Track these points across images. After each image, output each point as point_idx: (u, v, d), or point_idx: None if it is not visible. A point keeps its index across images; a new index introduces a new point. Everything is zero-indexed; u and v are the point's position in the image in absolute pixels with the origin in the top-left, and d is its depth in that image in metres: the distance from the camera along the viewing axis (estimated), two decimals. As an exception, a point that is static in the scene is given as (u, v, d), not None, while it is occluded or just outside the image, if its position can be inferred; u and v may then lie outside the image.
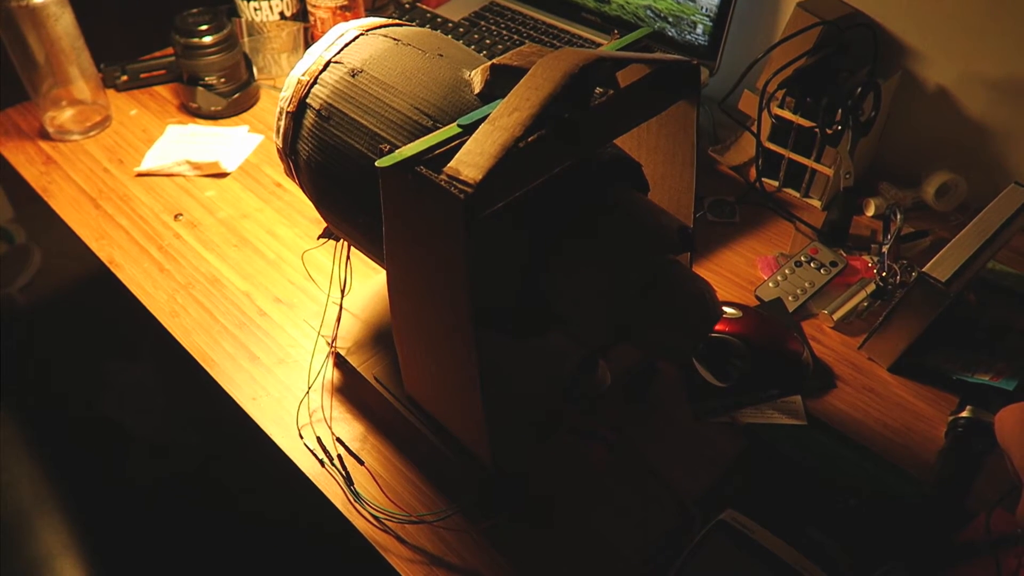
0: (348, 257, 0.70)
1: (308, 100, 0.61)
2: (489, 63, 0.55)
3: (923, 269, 0.67)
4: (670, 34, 1.02)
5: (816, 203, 0.92)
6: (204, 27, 1.03)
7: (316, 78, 0.61)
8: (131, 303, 0.84)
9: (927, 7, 0.86)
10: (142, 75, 1.14)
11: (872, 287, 0.78)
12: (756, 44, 1.02)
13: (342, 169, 0.59)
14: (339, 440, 0.68)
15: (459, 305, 0.48)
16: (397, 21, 0.66)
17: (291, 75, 0.63)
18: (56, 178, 0.98)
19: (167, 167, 0.98)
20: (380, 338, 0.70)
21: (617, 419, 0.69)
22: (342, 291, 0.71)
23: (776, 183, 0.95)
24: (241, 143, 1.03)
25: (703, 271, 0.84)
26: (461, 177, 0.43)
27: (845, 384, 0.73)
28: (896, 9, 0.89)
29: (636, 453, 0.66)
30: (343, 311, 0.73)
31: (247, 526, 1.25)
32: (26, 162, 1.01)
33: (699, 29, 0.99)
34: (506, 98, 0.47)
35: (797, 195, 0.94)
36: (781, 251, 0.86)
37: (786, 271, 0.82)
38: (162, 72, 1.15)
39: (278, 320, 0.80)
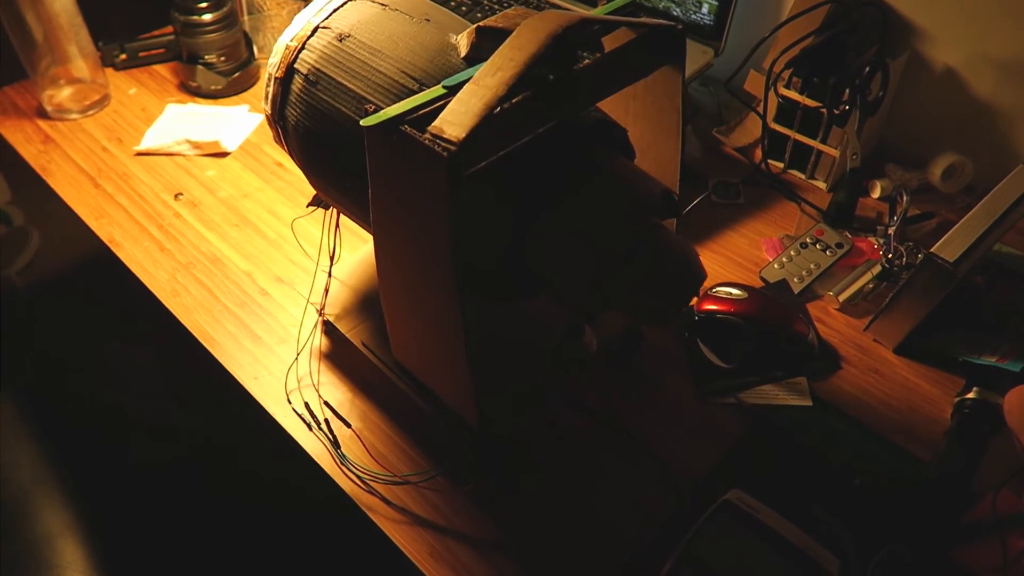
0: (337, 225, 0.70)
1: (296, 65, 0.61)
2: (475, 26, 0.55)
3: (931, 250, 0.67)
4: (675, 13, 1.01)
5: (822, 184, 0.91)
6: (204, 5, 1.02)
7: (304, 43, 0.61)
8: (131, 285, 0.84)
9: (936, -14, 0.86)
10: (141, 54, 1.13)
11: (878, 268, 0.78)
12: (762, 24, 1.01)
13: (330, 133, 0.59)
14: (327, 404, 0.68)
15: (444, 264, 0.48)
16: None
17: (279, 41, 0.63)
18: (55, 157, 0.97)
19: (167, 146, 0.97)
20: (369, 305, 0.70)
21: (621, 400, 0.69)
22: (331, 259, 0.71)
23: (781, 164, 0.94)
24: (241, 122, 1.02)
25: (708, 252, 0.84)
26: (445, 136, 0.44)
27: (850, 365, 0.73)
28: (904, -12, 0.88)
29: (635, 433, 0.66)
30: (333, 279, 0.73)
31: (249, 507, 1.25)
32: (24, 141, 1.00)
33: (704, 8, 0.98)
34: (490, 59, 0.48)
35: (802, 176, 0.93)
36: (786, 233, 0.85)
37: (791, 252, 0.81)
38: (161, 51, 1.14)
39: (279, 299, 0.79)
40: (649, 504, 0.62)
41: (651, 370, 0.72)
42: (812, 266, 0.80)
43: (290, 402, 0.69)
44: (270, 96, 0.63)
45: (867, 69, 0.81)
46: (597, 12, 0.57)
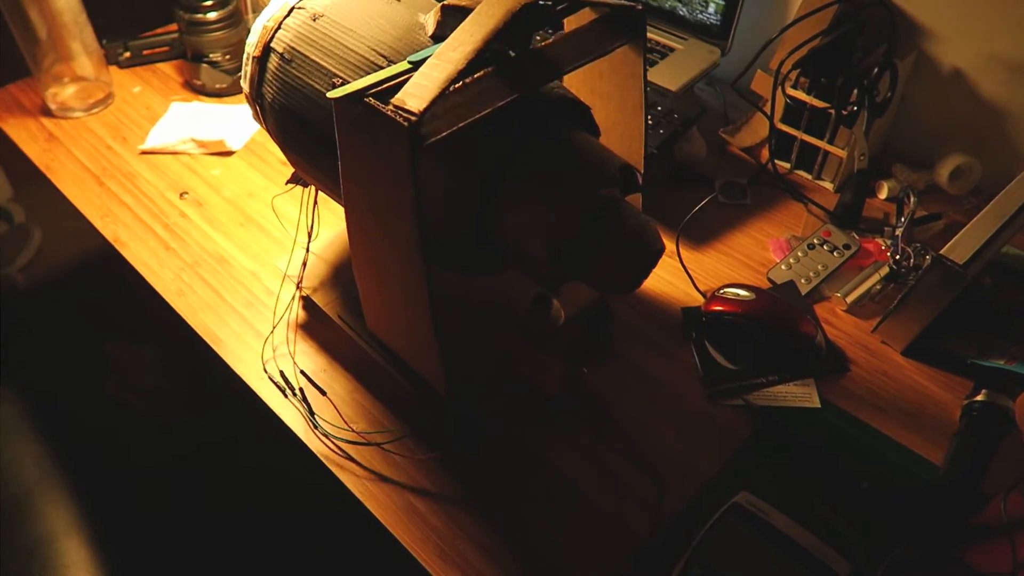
0: (316, 202, 0.73)
1: (272, 45, 0.64)
2: (440, 4, 0.58)
3: (940, 252, 0.67)
4: (681, 13, 1.01)
5: (828, 185, 0.91)
6: (208, 3, 1.02)
7: (280, 23, 0.63)
8: (133, 283, 0.84)
9: (944, -14, 0.85)
10: (145, 52, 1.13)
11: (885, 270, 0.78)
12: (769, 23, 1.01)
13: (304, 109, 0.61)
14: (303, 372, 0.70)
15: (408, 233, 0.51)
16: None
17: (257, 21, 0.65)
18: (59, 155, 0.97)
19: (172, 145, 0.97)
20: (346, 279, 0.72)
21: (627, 401, 0.69)
22: (309, 234, 0.73)
23: (788, 165, 0.94)
24: (246, 121, 1.01)
25: (715, 253, 0.84)
26: (406, 107, 0.46)
27: (858, 368, 0.73)
28: (912, -12, 0.87)
29: (626, 437, 0.66)
30: (311, 255, 0.75)
31: (252, 504, 1.25)
32: (28, 139, 1.00)
33: (711, 8, 0.98)
34: (451, 35, 0.50)
35: (809, 177, 0.93)
36: (793, 233, 0.85)
37: (799, 253, 0.81)
38: (165, 48, 1.14)
39: (285, 299, 0.79)
40: (651, 501, 0.61)
41: (658, 371, 0.72)
42: (819, 267, 0.80)
43: (266, 371, 0.70)
44: (248, 75, 0.66)
45: (875, 70, 0.80)
46: None
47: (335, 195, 0.65)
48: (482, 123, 0.49)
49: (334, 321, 0.72)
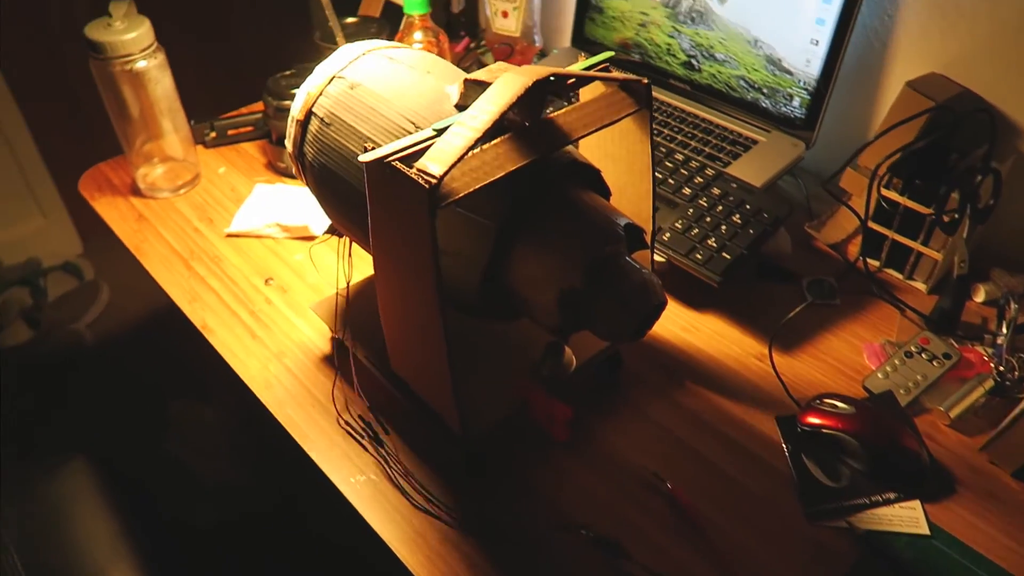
0: (350, 252, 0.80)
1: (314, 109, 0.71)
2: (464, 78, 0.64)
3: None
4: (764, 105, 1.01)
5: (921, 286, 0.89)
6: (296, 90, 1.04)
7: (322, 91, 0.71)
8: (198, 343, 0.86)
9: (1043, 89, 0.84)
10: (229, 132, 1.16)
11: (990, 383, 0.75)
12: (856, 118, 1.00)
13: (340, 168, 0.68)
14: (369, 416, 0.75)
15: (427, 282, 0.56)
16: (396, 44, 0.76)
17: (302, 88, 0.72)
18: (148, 237, 0.99)
19: (257, 229, 0.99)
20: (375, 323, 0.75)
21: (723, 518, 0.66)
22: (348, 282, 0.80)
23: (877, 263, 0.91)
24: (328, 205, 1.03)
25: (806, 357, 0.82)
26: (427, 171, 0.51)
27: (965, 489, 0.69)
28: (1010, 90, 0.86)
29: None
30: (345, 300, 0.81)
31: (317, 571, 1.24)
32: (119, 219, 1.02)
33: (795, 102, 0.97)
34: (472, 105, 0.56)
35: (900, 277, 0.90)
36: (888, 338, 0.83)
37: (896, 361, 0.79)
38: (249, 128, 1.16)
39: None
40: None
41: (751, 482, 0.70)
42: (919, 377, 0.77)
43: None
44: (292, 136, 0.73)
45: (978, 177, 0.79)
46: (576, 67, 0.65)
47: (365, 245, 0.72)
48: (497, 184, 0.55)
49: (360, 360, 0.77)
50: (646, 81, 0.64)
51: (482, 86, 0.60)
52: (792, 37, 0.94)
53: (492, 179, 0.54)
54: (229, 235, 0.99)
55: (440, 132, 0.57)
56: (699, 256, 0.83)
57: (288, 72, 1.07)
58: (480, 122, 0.54)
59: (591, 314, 0.60)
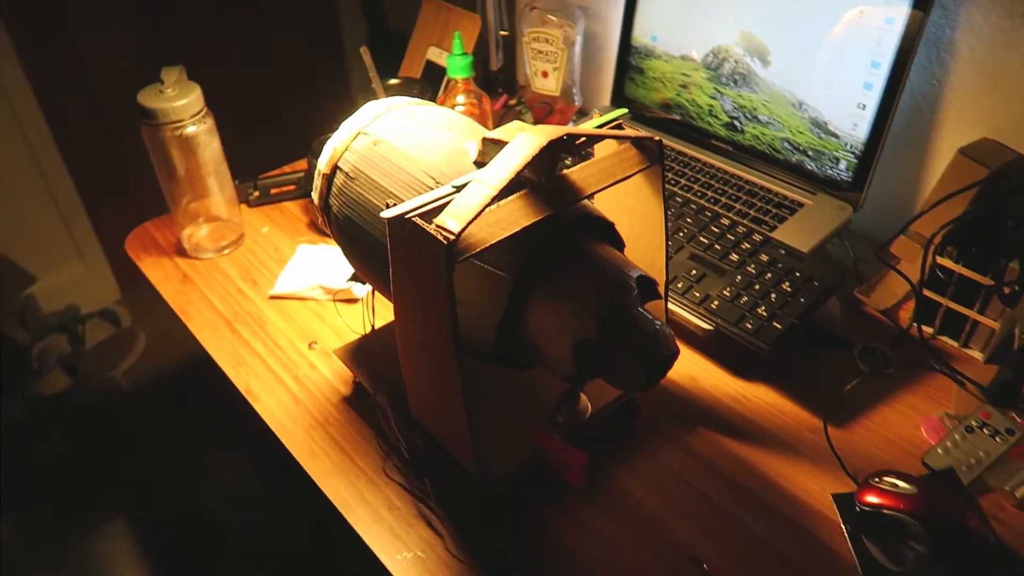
0: (373, 301, 0.85)
1: (340, 164, 0.74)
2: (482, 136, 0.67)
3: None
4: (809, 167, 1.00)
5: (977, 355, 0.87)
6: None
7: (348, 147, 0.74)
8: (232, 394, 0.86)
9: (1100, 155, 0.82)
10: (272, 191, 1.17)
11: (1057, 461, 0.72)
12: (904, 180, 0.99)
13: (364, 220, 0.71)
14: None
15: (445, 332, 0.58)
16: (419, 101, 0.79)
17: (328, 143, 0.75)
18: (193, 298, 1.00)
19: (300, 291, 0.99)
20: (395, 367, 0.77)
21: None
22: (372, 327, 0.85)
23: (931, 330, 0.89)
24: (371, 266, 1.03)
25: (861, 430, 0.79)
26: (446, 227, 0.54)
27: (1036, 575, 0.67)
28: (1065, 156, 0.84)
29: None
30: (367, 344, 0.85)
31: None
32: (164, 280, 1.03)
33: (842, 165, 0.96)
34: (490, 163, 0.59)
35: (955, 345, 0.88)
36: (946, 411, 0.81)
37: (956, 436, 0.76)
38: (292, 187, 1.18)
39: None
40: None
41: (807, 564, 0.67)
42: (981, 454, 0.74)
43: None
44: (318, 188, 0.77)
45: (1038, 247, 0.77)
46: (584, 127, 0.68)
47: (386, 293, 0.74)
48: (513, 238, 0.57)
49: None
50: (657, 138, 0.67)
51: (499, 144, 0.63)
52: (838, 101, 0.94)
53: (508, 234, 0.57)
54: (273, 297, 1.00)
55: (459, 189, 0.59)
56: (749, 325, 0.81)
57: (331, 135, 1.08)
58: (497, 180, 0.57)
59: (605, 364, 0.62)
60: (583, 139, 0.65)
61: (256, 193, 1.16)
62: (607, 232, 0.68)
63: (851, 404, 0.82)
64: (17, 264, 1.99)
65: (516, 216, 0.58)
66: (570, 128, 0.63)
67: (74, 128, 1.91)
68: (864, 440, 0.79)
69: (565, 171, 0.63)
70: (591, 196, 0.64)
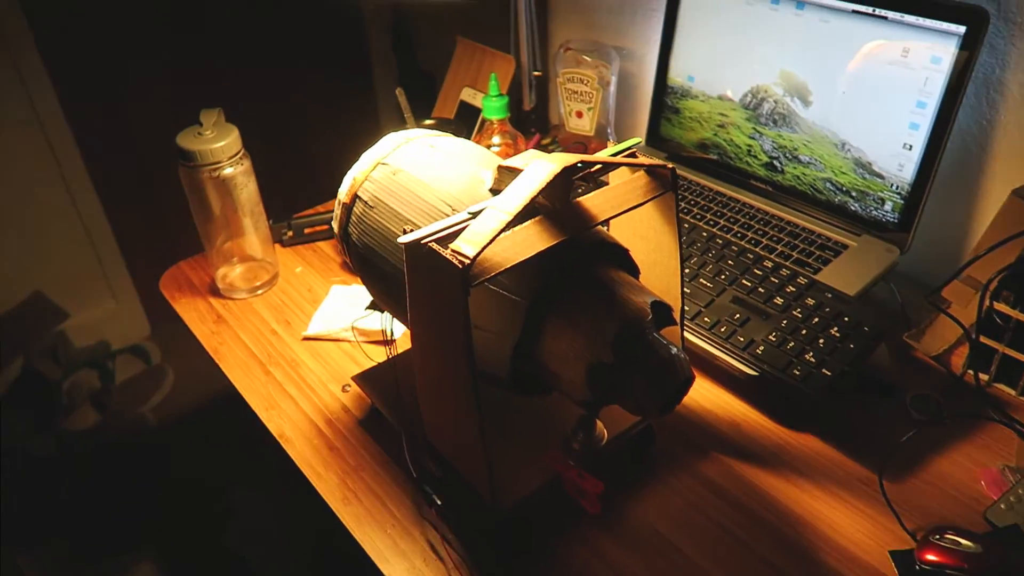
0: (391, 327, 0.85)
1: (359, 193, 0.75)
2: (497, 164, 0.68)
3: None
4: (853, 208, 0.98)
5: (1036, 404, 0.83)
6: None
7: (367, 176, 0.76)
8: (259, 432, 0.85)
9: None
10: (306, 230, 1.17)
11: None
12: (952, 220, 0.97)
13: (382, 248, 0.73)
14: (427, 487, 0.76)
15: (460, 355, 0.59)
16: (438, 132, 0.80)
17: (349, 173, 0.77)
18: (226, 339, 0.99)
19: (334, 332, 0.98)
20: (413, 393, 0.77)
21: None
22: (389, 353, 0.85)
23: (986, 376, 0.86)
24: (405, 307, 1.02)
25: (917, 482, 0.76)
26: (461, 251, 0.55)
27: (1114, 643, 0.63)
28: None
29: None
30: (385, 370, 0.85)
31: None
32: (198, 320, 1.03)
33: (888, 206, 0.94)
34: (505, 191, 0.60)
35: (1013, 392, 0.85)
36: (1007, 463, 0.77)
37: (1020, 491, 0.73)
38: (325, 227, 1.17)
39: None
40: None
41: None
42: (1047, 510, 0.71)
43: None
44: (338, 217, 0.78)
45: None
46: (598, 155, 0.68)
47: (403, 319, 0.76)
48: (529, 263, 0.57)
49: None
50: (671, 166, 0.67)
51: (514, 172, 0.64)
52: (883, 141, 0.92)
53: (523, 259, 0.57)
54: (306, 338, 0.99)
55: (475, 215, 0.60)
56: (797, 372, 0.79)
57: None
58: (512, 206, 0.57)
59: (619, 389, 0.62)
60: (597, 166, 0.66)
61: (290, 233, 1.16)
62: (622, 258, 0.69)
63: (905, 456, 0.78)
64: (51, 300, 2.01)
65: (531, 241, 0.59)
66: (584, 155, 0.63)
67: (110, 167, 1.94)
68: (920, 494, 0.75)
69: (579, 198, 0.64)
70: (606, 222, 0.64)
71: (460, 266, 0.54)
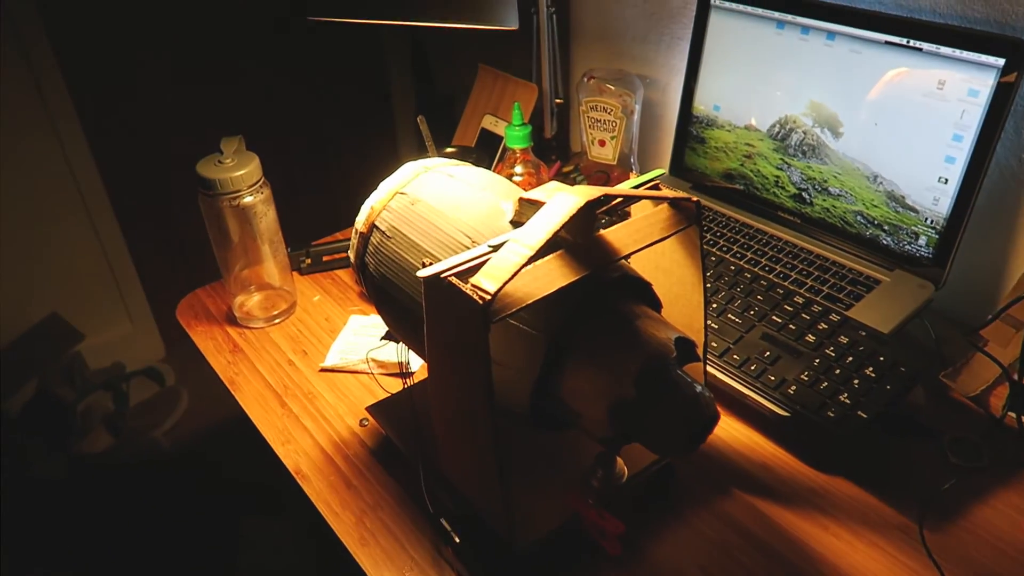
0: (408, 358, 0.85)
1: (377, 223, 0.74)
2: (519, 196, 0.66)
3: None
4: (884, 242, 0.95)
5: (1081, 449, 0.80)
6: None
7: (385, 206, 0.74)
8: (272, 460, 0.84)
9: None
10: (324, 258, 1.16)
11: None
12: (988, 255, 0.94)
13: (399, 279, 0.71)
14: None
15: (479, 392, 0.57)
16: (456, 162, 0.78)
17: (366, 203, 0.76)
18: (243, 369, 0.98)
19: (352, 364, 0.96)
20: (428, 426, 0.75)
21: None
22: (405, 384, 0.84)
23: (1026, 420, 0.83)
24: (424, 338, 1.00)
25: (957, 531, 0.73)
26: (482, 287, 0.53)
27: None
28: None
29: None
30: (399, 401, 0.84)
31: None
32: (215, 350, 1.01)
33: (922, 240, 0.92)
34: (527, 224, 0.58)
35: (1055, 437, 0.82)
36: (1052, 513, 0.74)
37: (1067, 543, 0.69)
38: (343, 255, 1.16)
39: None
40: None
41: None
42: (1098, 565, 0.67)
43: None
44: (354, 247, 0.77)
45: None
46: (621, 187, 0.67)
47: (419, 351, 0.75)
48: (550, 298, 0.56)
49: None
50: (695, 199, 0.66)
51: (536, 204, 0.63)
52: (918, 174, 0.90)
53: (544, 294, 0.56)
54: (323, 370, 0.97)
55: (495, 248, 0.59)
56: (831, 414, 0.76)
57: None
58: (534, 240, 0.56)
59: (642, 426, 0.60)
60: (620, 199, 0.65)
61: (308, 260, 1.15)
62: (644, 292, 0.67)
63: (943, 501, 0.75)
64: (67, 322, 2.01)
65: (553, 276, 0.57)
66: (607, 189, 0.62)
67: (130, 192, 1.95)
68: (962, 543, 0.72)
69: (602, 231, 0.63)
70: (628, 257, 0.63)
71: (481, 302, 0.53)
